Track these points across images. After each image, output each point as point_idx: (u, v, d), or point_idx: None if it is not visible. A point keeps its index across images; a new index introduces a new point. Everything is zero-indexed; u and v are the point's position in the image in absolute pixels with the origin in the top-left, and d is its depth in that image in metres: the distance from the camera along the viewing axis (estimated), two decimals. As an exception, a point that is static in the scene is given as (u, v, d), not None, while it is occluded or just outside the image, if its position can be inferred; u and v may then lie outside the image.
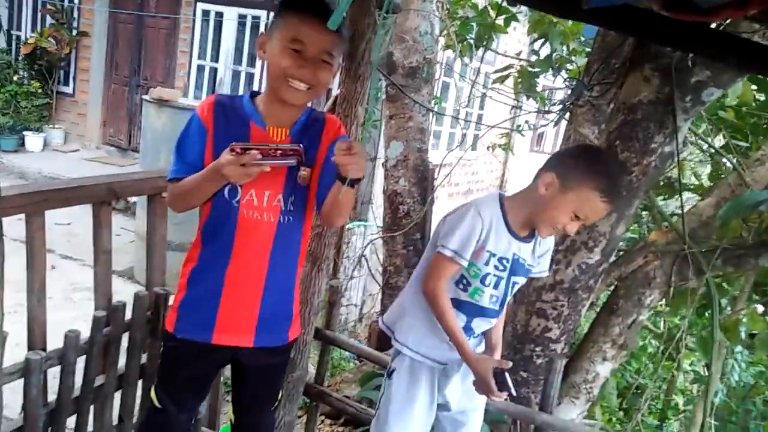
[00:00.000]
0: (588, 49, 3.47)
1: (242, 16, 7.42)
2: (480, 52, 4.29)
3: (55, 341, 1.79)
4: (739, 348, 3.71)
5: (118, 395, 2.04)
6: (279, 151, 1.37)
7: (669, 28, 1.19)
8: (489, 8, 4.01)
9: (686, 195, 3.11)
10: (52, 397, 1.82)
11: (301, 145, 1.39)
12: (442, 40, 4.33)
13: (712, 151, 3.31)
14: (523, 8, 4.04)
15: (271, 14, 6.16)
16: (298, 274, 1.67)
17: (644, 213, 3.84)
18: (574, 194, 1.58)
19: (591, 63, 2.94)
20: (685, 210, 2.61)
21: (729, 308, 3.12)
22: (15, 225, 1.70)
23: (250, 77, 7.58)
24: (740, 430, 4.08)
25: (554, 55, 3.73)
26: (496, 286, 1.74)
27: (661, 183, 3.45)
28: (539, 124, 6.20)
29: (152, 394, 1.71)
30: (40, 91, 8.32)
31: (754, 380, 4.32)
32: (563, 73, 3.89)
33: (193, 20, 7.68)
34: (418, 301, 1.79)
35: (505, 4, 3.62)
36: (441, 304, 1.68)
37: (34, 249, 1.70)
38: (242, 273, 1.55)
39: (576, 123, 2.89)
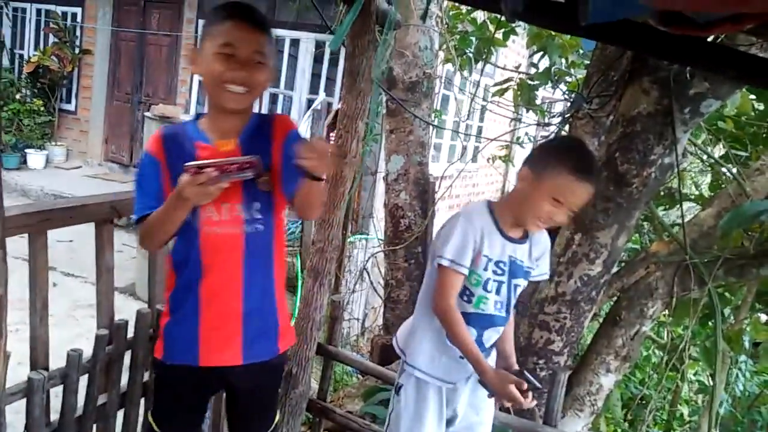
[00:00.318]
0: (587, 62, 3.50)
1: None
2: (479, 65, 4.32)
3: (57, 358, 1.79)
4: (743, 357, 3.69)
5: (120, 414, 2.03)
6: (235, 165, 1.36)
7: (667, 43, 1.20)
8: (488, 22, 4.04)
9: (687, 205, 3.12)
10: (54, 416, 1.81)
11: (257, 157, 1.38)
12: (441, 55, 4.35)
13: (712, 161, 3.32)
14: (522, 22, 4.07)
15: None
16: (279, 280, 1.63)
17: (645, 224, 3.85)
18: (548, 179, 1.59)
19: (590, 75, 2.96)
20: (686, 220, 2.62)
21: (732, 318, 3.11)
22: (16, 243, 1.70)
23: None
24: (746, 440, 4.05)
25: (553, 67, 3.75)
26: (498, 292, 1.75)
27: (662, 193, 3.46)
28: (539, 136, 6.22)
29: (150, 418, 1.70)
30: (42, 109, 8.36)
31: (759, 389, 4.30)
32: (562, 86, 3.91)
33: (195, 37, 7.72)
34: (427, 322, 1.79)
35: (504, 19, 3.65)
36: (454, 322, 1.68)
37: (37, 268, 1.71)
38: (217, 289, 1.53)
39: (575, 135, 2.91)
